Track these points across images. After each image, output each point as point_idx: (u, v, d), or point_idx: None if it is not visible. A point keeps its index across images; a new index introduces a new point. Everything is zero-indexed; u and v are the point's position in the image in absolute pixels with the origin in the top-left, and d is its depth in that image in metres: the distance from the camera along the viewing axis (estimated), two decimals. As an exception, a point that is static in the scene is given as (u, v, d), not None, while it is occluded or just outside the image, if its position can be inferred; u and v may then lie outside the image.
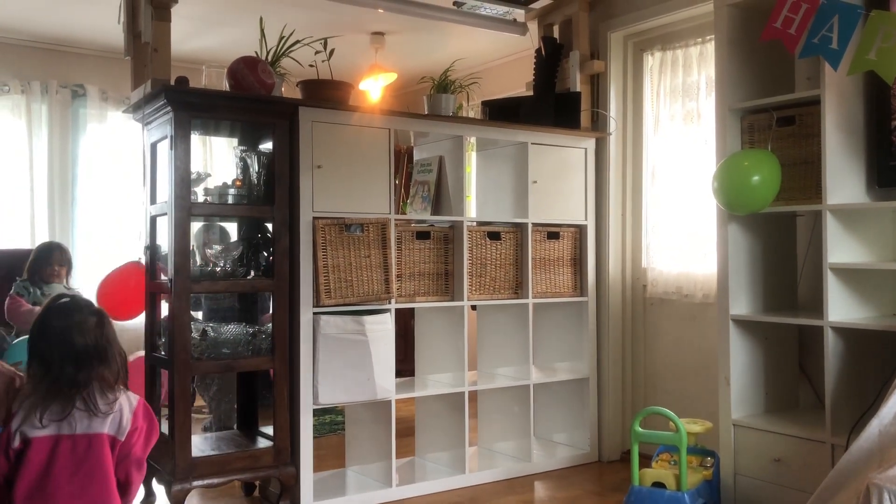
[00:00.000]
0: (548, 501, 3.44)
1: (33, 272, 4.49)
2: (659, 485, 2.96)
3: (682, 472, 2.90)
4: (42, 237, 5.67)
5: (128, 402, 2.00)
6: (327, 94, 3.35)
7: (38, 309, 2.72)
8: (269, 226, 3.23)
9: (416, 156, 4.06)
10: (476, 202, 4.39)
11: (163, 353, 3.14)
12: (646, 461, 3.12)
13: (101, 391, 1.93)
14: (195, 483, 2.96)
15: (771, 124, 3.05)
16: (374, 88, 5.73)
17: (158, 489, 3.18)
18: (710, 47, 3.64)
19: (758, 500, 3.00)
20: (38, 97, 5.72)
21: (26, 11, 5.11)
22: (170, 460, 2.96)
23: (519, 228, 3.81)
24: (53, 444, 1.86)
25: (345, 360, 3.20)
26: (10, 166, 5.65)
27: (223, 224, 3.53)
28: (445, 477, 3.57)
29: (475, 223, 3.78)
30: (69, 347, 1.91)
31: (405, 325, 4.69)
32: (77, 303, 2.03)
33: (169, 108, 2.94)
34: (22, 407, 1.86)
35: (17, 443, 1.85)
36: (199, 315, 3.59)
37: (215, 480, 3.04)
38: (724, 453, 3.11)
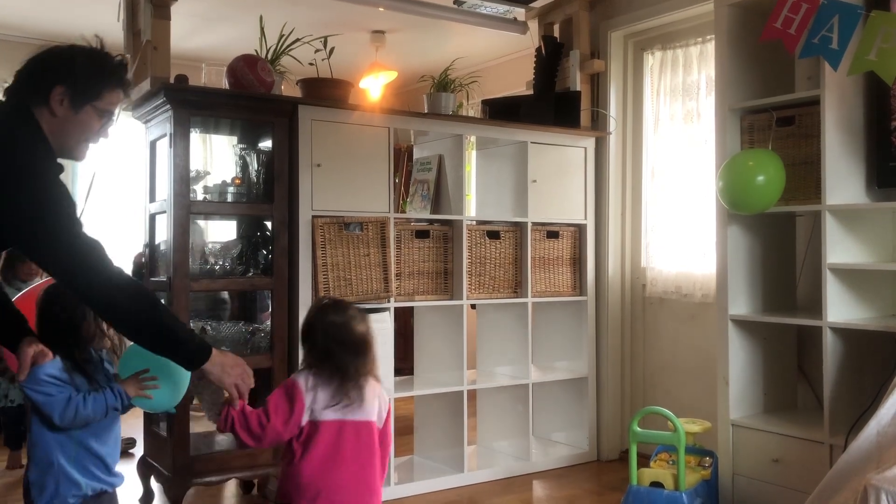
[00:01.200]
0: (546, 500, 3.44)
1: (6, 272, 4.11)
2: (657, 484, 2.96)
3: (681, 471, 2.90)
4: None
5: (382, 391, 2.12)
6: (327, 92, 3.34)
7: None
8: (269, 224, 3.23)
9: (416, 154, 4.06)
10: (476, 201, 4.39)
11: (162, 350, 3.13)
12: (644, 461, 3.12)
13: (367, 380, 2.06)
14: (193, 481, 2.96)
15: (771, 124, 3.05)
16: (374, 87, 5.72)
17: (156, 487, 3.18)
18: (711, 47, 3.64)
19: (756, 500, 3.01)
20: (38, 94, 5.71)
21: (25, 10, 5.11)
22: (168, 458, 2.97)
23: (518, 227, 3.81)
24: (339, 428, 1.98)
25: (344, 359, 3.20)
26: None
27: (223, 222, 3.53)
28: (444, 476, 3.57)
29: (475, 222, 3.78)
30: (350, 339, 2.05)
31: (404, 324, 4.69)
32: (343, 301, 2.18)
33: (168, 106, 2.94)
34: (308, 393, 1.97)
35: (304, 424, 1.97)
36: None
37: (213, 479, 3.04)
38: (723, 453, 3.11)
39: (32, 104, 1.83)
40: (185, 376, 2.03)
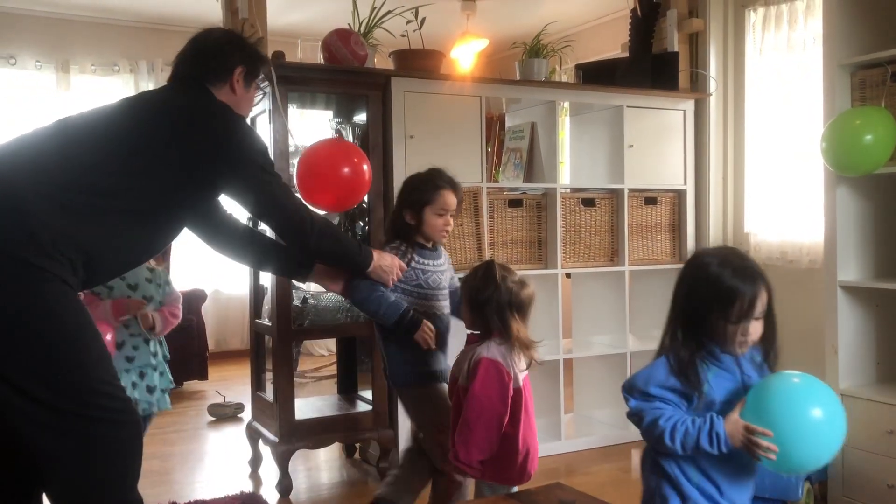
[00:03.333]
0: (590, 475, 3.40)
1: None
2: (761, 455, 2.88)
3: (786, 442, 2.81)
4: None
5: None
6: (419, 63, 3.36)
7: (109, 302, 2.58)
8: (364, 196, 3.28)
9: (508, 122, 4.03)
10: (570, 168, 4.33)
11: (266, 320, 3.26)
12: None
13: None
14: (298, 445, 3.08)
15: (885, 80, 2.87)
16: (465, 56, 5.70)
17: (264, 450, 3.32)
18: (818, 0, 3.45)
19: (868, 472, 2.89)
20: (146, 75, 5.97)
21: (132, -7, 5.32)
22: (274, 423, 3.09)
23: (614, 194, 3.74)
24: (525, 387, 2.12)
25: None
26: (121, 143, 5.93)
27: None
28: (542, 443, 3.54)
29: (569, 190, 3.74)
30: (526, 303, 2.15)
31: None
32: (505, 264, 2.23)
33: (266, 82, 3.02)
34: (510, 367, 2.07)
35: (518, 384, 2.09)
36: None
37: (318, 443, 3.15)
38: (832, 424, 3.00)
39: (211, 84, 2.06)
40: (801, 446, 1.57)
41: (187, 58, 2.11)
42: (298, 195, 2.38)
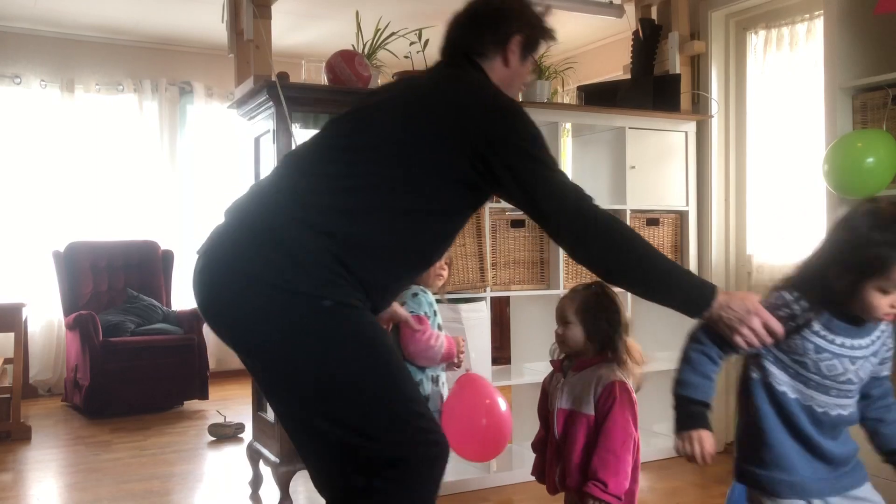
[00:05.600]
0: (649, 492, 3.38)
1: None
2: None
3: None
4: (154, 229, 5.96)
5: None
6: (422, 84, 3.37)
7: (441, 336, 2.30)
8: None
9: (511, 143, 4.04)
10: (572, 189, 4.33)
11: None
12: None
13: None
14: (299, 466, 3.06)
15: (886, 102, 2.88)
16: (468, 77, 5.73)
17: (265, 471, 3.30)
18: (819, 23, 3.47)
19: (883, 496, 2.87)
20: (149, 94, 6.01)
21: (136, 14, 5.37)
22: (275, 444, 3.08)
23: (616, 215, 3.74)
24: None
25: (442, 348, 3.24)
26: (124, 161, 5.96)
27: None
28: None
29: (571, 210, 3.73)
30: (625, 322, 2.09)
31: (500, 313, 4.70)
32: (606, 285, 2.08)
33: (271, 102, 3.03)
34: (624, 375, 2.02)
35: None
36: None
37: (318, 463, 3.13)
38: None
39: (481, 56, 1.81)
40: None
41: (460, 23, 1.86)
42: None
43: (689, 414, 1.64)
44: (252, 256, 1.59)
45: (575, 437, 1.98)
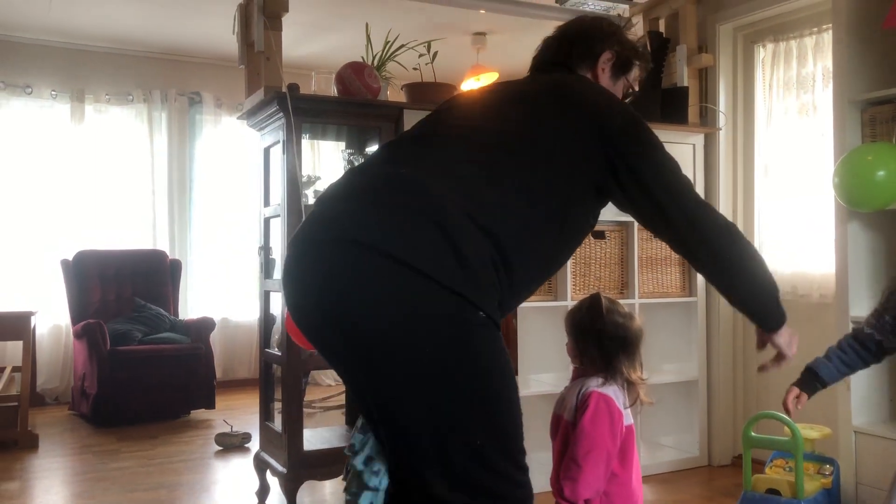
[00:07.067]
0: (655, 505, 3.37)
1: None
2: (773, 492, 2.86)
3: (799, 478, 2.79)
4: (163, 238, 5.99)
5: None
6: (431, 96, 3.39)
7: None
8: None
9: (519, 155, 4.05)
10: (580, 201, 4.33)
11: (276, 349, 3.26)
12: (758, 467, 3.02)
13: None
14: (306, 476, 3.06)
15: (895, 116, 2.89)
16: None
17: (272, 481, 3.30)
18: (827, 37, 3.48)
19: (881, 511, 2.86)
20: (159, 105, 6.05)
21: (147, 25, 5.41)
22: (282, 453, 3.08)
23: (624, 227, 3.75)
24: (630, 430, 1.99)
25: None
26: (133, 170, 5.99)
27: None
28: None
29: (579, 222, 3.74)
30: (632, 338, 2.01)
31: (507, 325, 4.69)
32: (611, 298, 2.09)
33: (281, 114, 3.05)
34: (611, 388, 1.97)
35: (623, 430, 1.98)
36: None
37: (327, 473, 3.13)
38: (845, 461, 2.97)
39: (578, 69, 1.81)
40: None
41: (550, 43, 1.87)
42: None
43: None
44: (399, 236, 1.37)
45: (562, 445, 2.02)
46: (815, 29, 3.64)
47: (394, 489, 1.54)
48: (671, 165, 1.67)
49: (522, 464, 1.52)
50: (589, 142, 1.56)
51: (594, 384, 1.97)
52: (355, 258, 1.36)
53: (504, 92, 1.72)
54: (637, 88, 1.91)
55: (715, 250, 1.65)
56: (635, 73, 1.87)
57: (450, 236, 1.37)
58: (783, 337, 1.84)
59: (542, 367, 3.76)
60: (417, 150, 1.58)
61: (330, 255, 1.40)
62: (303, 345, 2.86)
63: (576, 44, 1.81)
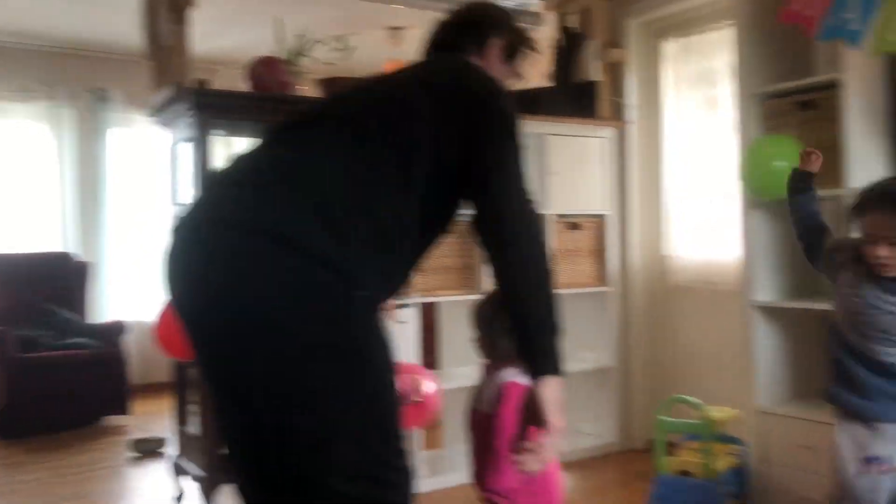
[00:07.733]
0: (573, 491, 3.44)
1: None
2: (686, 473, 2.96)
3: (709, 459, 2.89)
4: (73, 239, 5.77)
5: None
6: (345, 91, 3.36)
7: None
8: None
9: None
10: (497, 194, 4.37)
11: (190, 351, 3.18)
12: (675, 450, 3.11)
13: None
14: (224, 479, 3.00)
15: (793, 108, 3.01)
16: (393, 83, 5.74)
17: (189, 486, 3.23)
18: (730, 32, 3.60)
19: (787, 487, 2.99)
20: (65, 101, 5.81)
21: (49, 17, 5.19)
22: (200, 457, 3.01)
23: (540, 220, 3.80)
24: None
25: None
26: (38, 170, 5.75)
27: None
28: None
29: (496, 216, 3.77)
30: None
31: (427, 319, 4.70)
32: None
33: (190, 110, 2.98)
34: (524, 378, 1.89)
35: None
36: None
37: (245, 476, 3.08)
38: (752, 441, 3.09)
39: (466, 52, 1.82)
40: None
41: (444, 26, 1.89)
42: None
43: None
44: (280, 215, 1.39)
45: (478, 437, 2.03)
46: (719, 24, 3.76)
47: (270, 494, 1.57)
48: (518, 165, 1.68)
49: (402, 448, 1.51)
50: (461, 126, 1.58)
51: (510, 375, 1.99)
52: (237, 240, 1.38)
53: (391, 76, 1.77)
54: (523, 76, 1.93)
55: (521, 257, 1.58)
56: (523, 61, 1.91)
57: (329, 215, 1.41)
58: (552, 392, 1.54)
59: (463, 361, 3.78)
60: (300, 132, 1.60)
61: (213, 238, 1.41)
62: (174, 353, 2.81)
63: (466, 28, 1.86)
